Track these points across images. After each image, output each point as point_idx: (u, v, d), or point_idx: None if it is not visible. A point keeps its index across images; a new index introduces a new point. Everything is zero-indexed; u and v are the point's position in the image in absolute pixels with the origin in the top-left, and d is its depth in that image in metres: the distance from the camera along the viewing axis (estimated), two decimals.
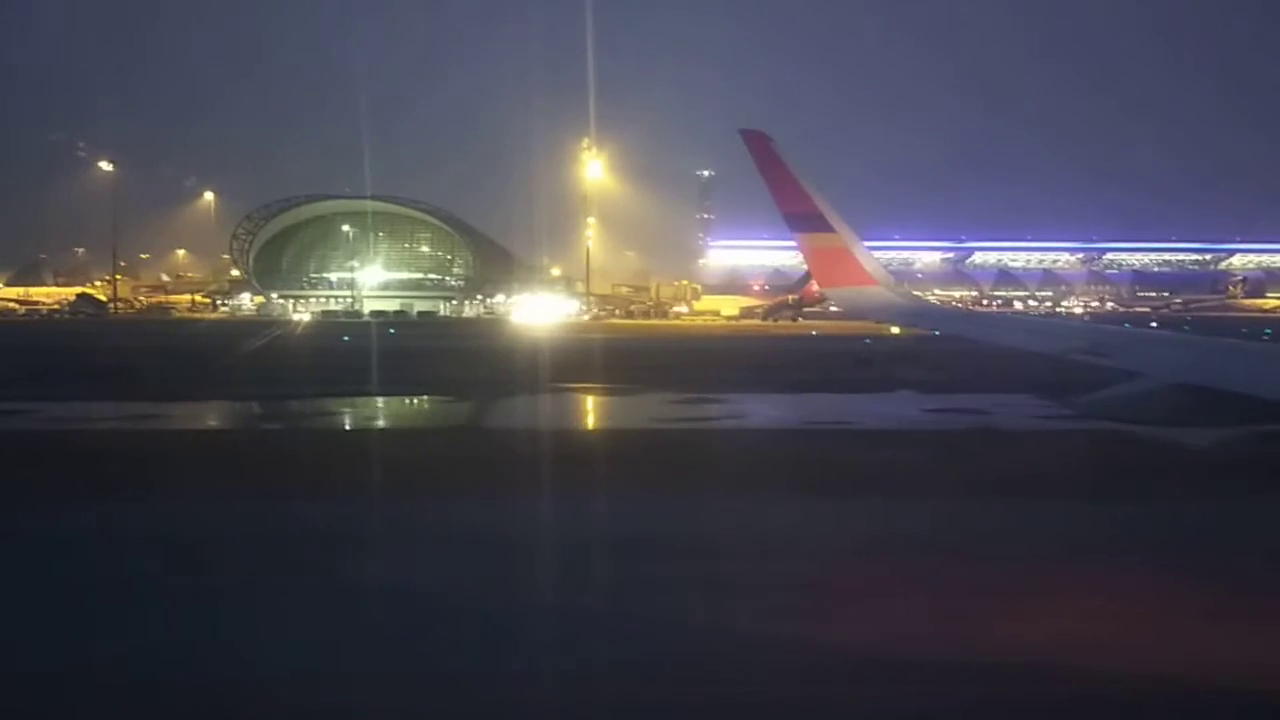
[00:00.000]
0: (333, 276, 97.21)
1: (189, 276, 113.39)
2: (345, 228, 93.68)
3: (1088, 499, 13.68)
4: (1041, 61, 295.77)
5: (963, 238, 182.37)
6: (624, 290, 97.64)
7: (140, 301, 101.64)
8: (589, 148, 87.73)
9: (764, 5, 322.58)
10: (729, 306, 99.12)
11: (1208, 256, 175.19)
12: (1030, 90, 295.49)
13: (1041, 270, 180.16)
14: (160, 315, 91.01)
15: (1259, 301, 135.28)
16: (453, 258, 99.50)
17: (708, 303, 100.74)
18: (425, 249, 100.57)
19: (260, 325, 70.26)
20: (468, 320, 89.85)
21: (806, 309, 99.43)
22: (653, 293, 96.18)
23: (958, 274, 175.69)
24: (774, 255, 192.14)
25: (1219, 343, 8.92)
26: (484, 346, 48.93)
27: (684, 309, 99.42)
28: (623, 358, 40.27)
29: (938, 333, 14.13)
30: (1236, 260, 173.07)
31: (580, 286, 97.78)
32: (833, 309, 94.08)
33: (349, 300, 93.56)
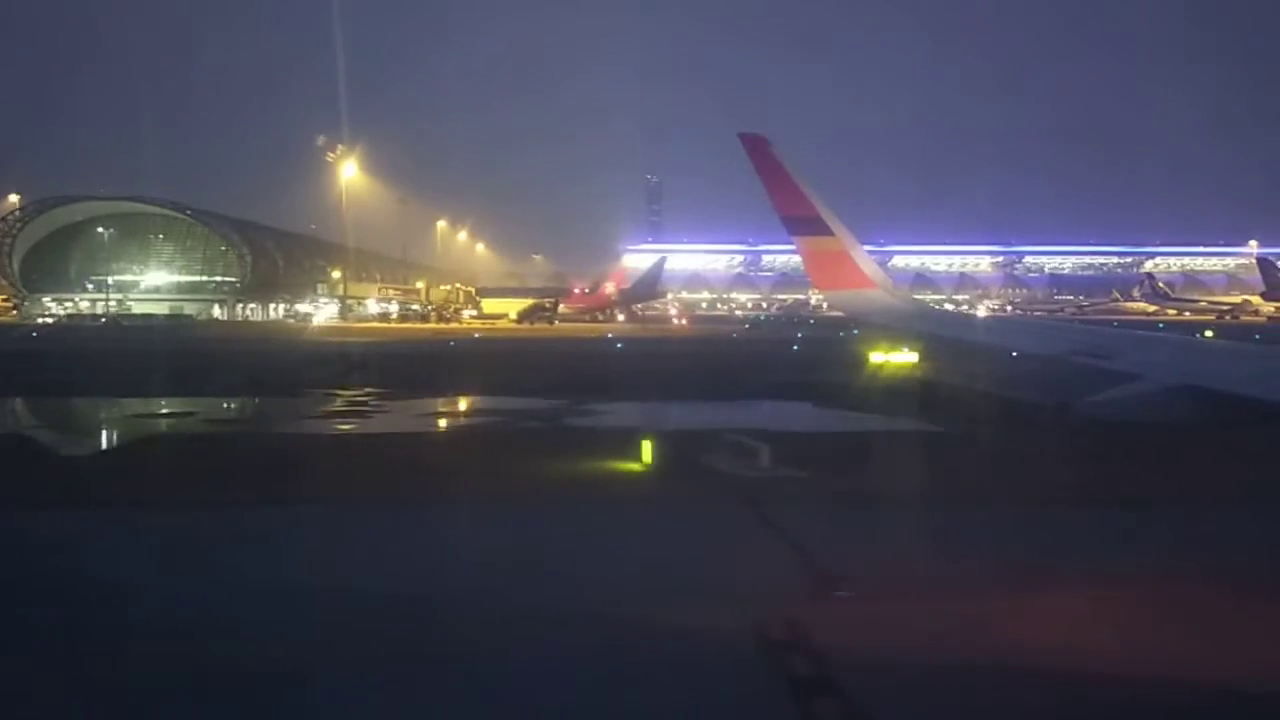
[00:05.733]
0: (111, 279, 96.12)
1: None
2: (100, 229, 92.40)
3: None
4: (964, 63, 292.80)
5: (881, 241, 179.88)
6: (391, 293, 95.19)
7: None
8: (338, 149, 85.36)
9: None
10: (516, 309, 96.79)
11: (1129, 259, 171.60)
12: (952, 91, 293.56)
13: (958, 274, 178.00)
14: None
15: (1142, 305, 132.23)
16: (229, 261, 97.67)
17: (497, 305, 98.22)
18: (201, 252, 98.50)
19: None
20: (193, 323, 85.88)
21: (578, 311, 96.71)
22: (422, 295, 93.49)
23: None
24: (695, 259, 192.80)
25: (1218, 345, 9.05)
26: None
27: (472, 311, 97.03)
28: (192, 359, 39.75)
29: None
30: (1158, 262, 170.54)
31: (371, 289, 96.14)
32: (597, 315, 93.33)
33: (117, 303, 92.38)
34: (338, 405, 26.21)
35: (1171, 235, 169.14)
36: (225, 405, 27.83)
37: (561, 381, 30.25)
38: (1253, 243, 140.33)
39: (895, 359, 37.36)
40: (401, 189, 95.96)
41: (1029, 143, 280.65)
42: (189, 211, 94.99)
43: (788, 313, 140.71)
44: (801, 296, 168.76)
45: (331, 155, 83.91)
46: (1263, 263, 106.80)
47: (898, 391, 25.86)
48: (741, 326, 79.61)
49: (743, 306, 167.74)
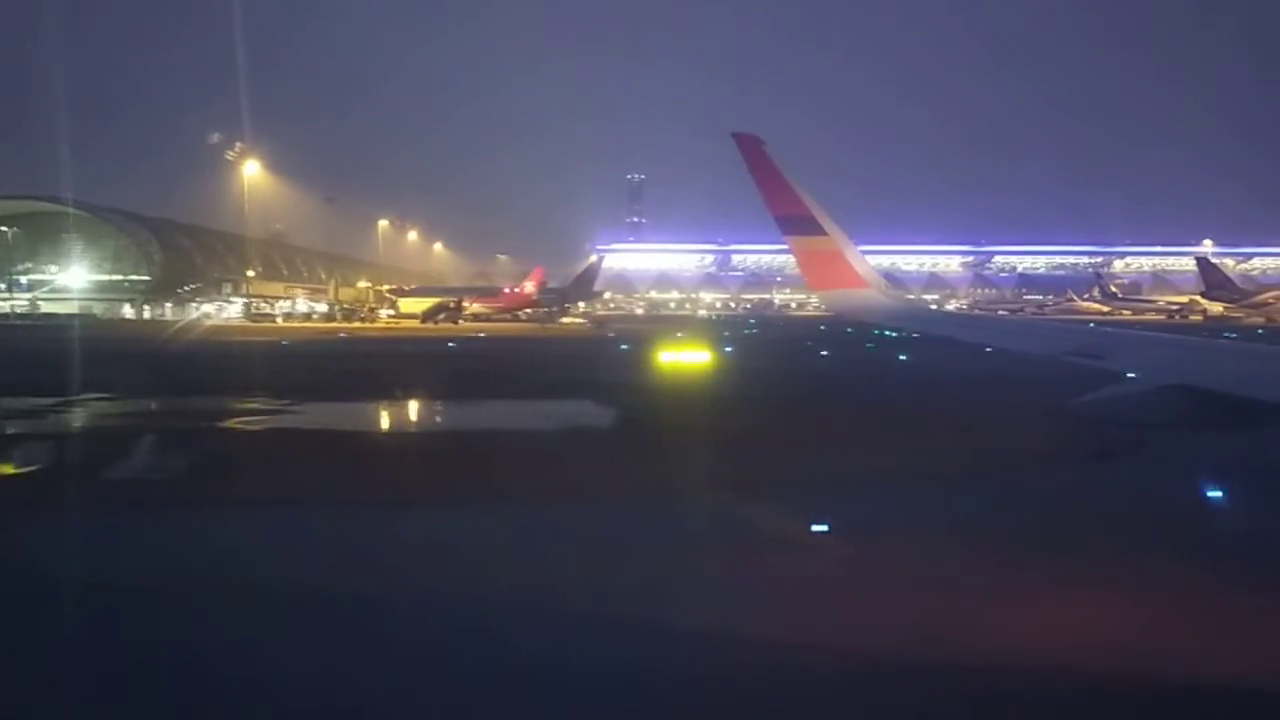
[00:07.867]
0: (25, 279, 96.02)
1: None
2: (4, 229, 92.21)
3: None
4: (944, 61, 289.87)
5: (854, 241, 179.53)
6: (298, 291, 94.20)
7: None
8: (238, 146, 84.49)
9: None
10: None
11: (1099, 259, 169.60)
12: (934, 91, 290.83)
13: (928, 274, 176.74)
14: None
15: (1094, 305, 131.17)
16: (140, 259, 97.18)
17: (415, 305, 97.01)
18: (113, 251, 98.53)
19: None
20: (78, 324, 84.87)
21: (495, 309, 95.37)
22: (331, 294, 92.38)
23: None
24: (666, 259, 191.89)
25: (1212, 344, 8.85)
26: None
27: (390, 311, 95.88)
28: None
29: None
30: (1129, 262, 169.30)
31: (279, 289, 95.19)
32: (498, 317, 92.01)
33: (28, 302, 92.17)
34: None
35: (1140, 235, 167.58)
36: None
37: (319, 383, 29.20)
38: (1207, 242, 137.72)
39: (687, 359, 37.80)
40: (371, 192, 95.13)
41: (1005, 142, 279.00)
42: (95, 210, 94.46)
43: (753, 312, 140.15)
44: (767, 296, 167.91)
45: (231, 154, 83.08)
46: (1201, 263, 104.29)
47: (634, 389, 26.73)
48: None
49: (710, 306, 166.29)
